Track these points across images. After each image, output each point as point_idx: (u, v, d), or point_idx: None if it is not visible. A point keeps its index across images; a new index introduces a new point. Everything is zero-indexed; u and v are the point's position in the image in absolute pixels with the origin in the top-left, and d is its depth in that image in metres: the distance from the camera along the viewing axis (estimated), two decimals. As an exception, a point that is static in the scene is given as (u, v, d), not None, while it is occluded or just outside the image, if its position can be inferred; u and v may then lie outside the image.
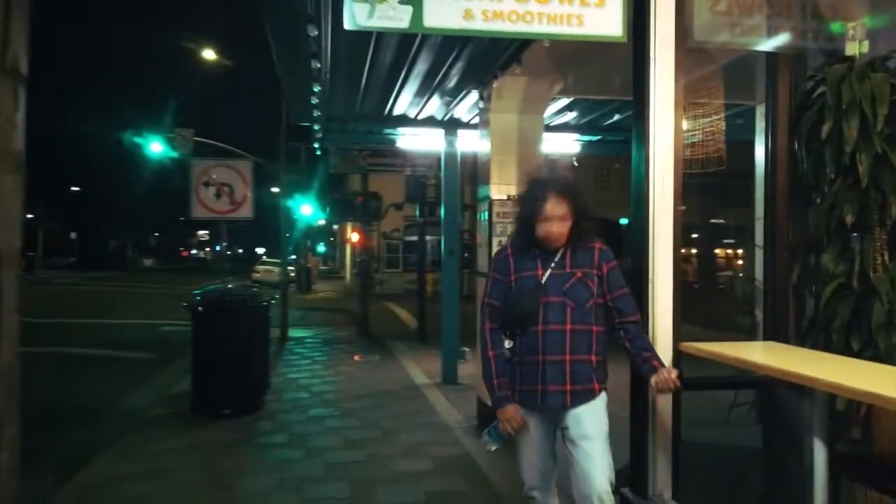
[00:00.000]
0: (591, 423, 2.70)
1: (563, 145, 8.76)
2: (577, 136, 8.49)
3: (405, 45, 5.09)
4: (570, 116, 7.75)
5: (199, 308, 6.37)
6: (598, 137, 8.46)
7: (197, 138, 15.96)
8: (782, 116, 3.27)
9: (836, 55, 3.41)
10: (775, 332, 3.29)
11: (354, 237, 22.70)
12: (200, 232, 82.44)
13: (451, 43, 5.02)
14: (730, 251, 22.34)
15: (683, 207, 3.11)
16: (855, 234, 3.22)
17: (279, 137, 12.46)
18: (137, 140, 19.04)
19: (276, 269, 18.72)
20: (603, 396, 2.78)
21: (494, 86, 5.58)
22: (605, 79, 5.46)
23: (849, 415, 2.99)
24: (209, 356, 6.28)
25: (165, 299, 20.27)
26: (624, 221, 14.39)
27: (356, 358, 10.19)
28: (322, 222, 39.49)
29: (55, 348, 10.09)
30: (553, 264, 2.76)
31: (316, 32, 4.27)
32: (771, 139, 3.35)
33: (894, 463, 2.56)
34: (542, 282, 2.75)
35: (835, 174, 3.16)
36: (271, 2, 4.35)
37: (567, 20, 3.06)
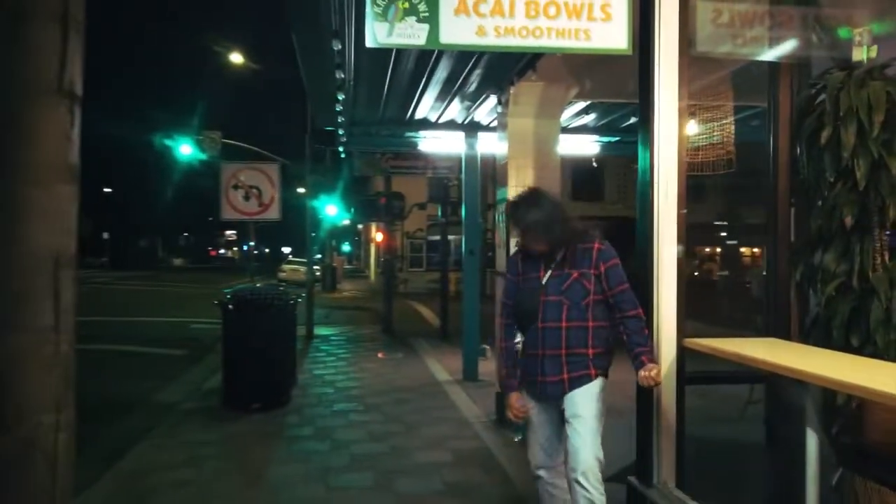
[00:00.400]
0: (583, 404, 2.94)
1: (583, 147, 8.91)
2: (596, 137, 8.63)
3: (425, 54, 5.30)
4: (589, 119, 7.90)
5: (230, 306, 6.64)
6: (617, 139, 8.59)
7: (225, 140, 16.30)
8: (783, 122, 3.40)
9: (846, 60, 3.53)
10: (777, 329, 3.43)
11: (378, 237, 22.99)
12: (228, 232, 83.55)
13: (469, 52, 5.22)
14: (756, 250, 22.18)
15: (682, 210, 3.25)
16: (855, 236, 3.34)
17: (305, 140, 12.78)
18: (167, 142, 19.49)
19: (302, 269, 19.02)
20: (599, 381, 3.00)
21: (511, 91, 5.76)
22: (619, 83, 5.60)
23: (848, 409, 3.12)
24: (239, 352, 6.55)
25: (196, 298, 20.74)
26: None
27: (380, 355, 10.42)
28: (347, 222, 39.88)
29: (91, 345, 10.44)
30: (553, 266, 3.02)
31: (340, 46, 4.50)
32: (772, 144, 3.49)
33: (885, 453, 2.69)
34: (543, 282, 3.01)
35: (834, 178, 3.28)
36: (298, 17, 4.59)
37: (575, 34, 3.24)
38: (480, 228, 8.75)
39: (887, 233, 3.29)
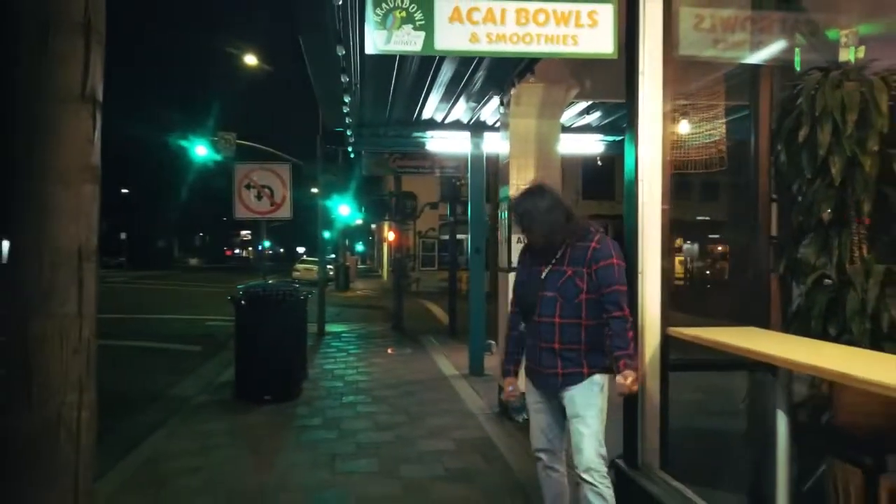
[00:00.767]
0: (581, 403, 3.02)
1: (587, 146, 9.06)
2: (599, 136, 8.77)
3: (427, 57, 5.48)
4: (592, 118, 8.05)
5: (242, 301, 6.88)
6: (621, 138, 8.70)
7: (239, 141, 16.57)
8: (763, 122, 3.56)
9: (834, 62, 3.68)
10: (756, 318, 3.59)
11: (391, 236, 23.19)
12: (243, 232, 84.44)
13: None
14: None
15: (665, 206, 3.42)
16: (833, 230, 3.49)
17: (317, 140, 13.04)
18: (183, 143, 19.85)
19: (316, 268, 19.31)
20: (594, 378, 3.04)
21: (513, 92, 5.94)
22: (618, 84, 5.74)
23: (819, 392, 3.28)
24: (251, 346, 6.77)
25: (211, 296, 21.07)
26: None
27: (389, 351, 10.64)
28: (360, 222, 40.19)
29: (109, 341, 10.71)
30: (553, 262, 3.10)
31: (343, 52, 4.71)
32: (754, 143, 3.65)
33: (852, 433, 2.85)
34: (543, 277, 3.11)
35: (812, 175, 3.44)
36: (304, 23, 4.80)
37: (563, 40, 3.43)
38: (486, 227, 8.92)
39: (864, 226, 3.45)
